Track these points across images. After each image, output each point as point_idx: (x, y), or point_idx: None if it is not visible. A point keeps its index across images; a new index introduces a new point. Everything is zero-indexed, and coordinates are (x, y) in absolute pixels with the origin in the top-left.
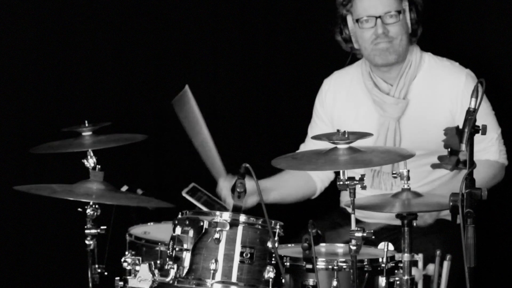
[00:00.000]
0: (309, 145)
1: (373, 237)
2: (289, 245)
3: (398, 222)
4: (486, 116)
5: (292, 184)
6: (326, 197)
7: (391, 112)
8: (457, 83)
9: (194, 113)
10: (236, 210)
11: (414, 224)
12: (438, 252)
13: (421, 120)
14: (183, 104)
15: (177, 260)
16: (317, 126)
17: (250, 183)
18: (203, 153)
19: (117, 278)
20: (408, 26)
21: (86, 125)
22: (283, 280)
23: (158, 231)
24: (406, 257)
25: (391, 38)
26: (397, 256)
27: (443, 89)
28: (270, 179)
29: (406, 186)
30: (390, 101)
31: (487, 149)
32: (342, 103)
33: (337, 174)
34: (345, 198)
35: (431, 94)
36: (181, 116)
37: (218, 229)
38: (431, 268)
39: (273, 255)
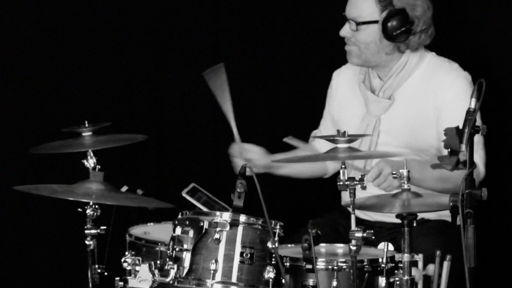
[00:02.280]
0: (322, 130)
1: (373, 237)
2: (289, 245)
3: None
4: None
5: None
6: (326, 197)
7: (372, 109)
8: (447, 79)
9: (224, 86)
10: (236, 210)
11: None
12: (438, 253)
13: (407, 119)
14: (215, 77)
15: (177, 260)
16: (326, 111)
17: (261, 159)
18: (228, 117)
19: (117, 278)
20: (380, 34)
21: (86, 125)
22: (283, 281)
23: (158, 231)
24: (406, 257)
25: (354, 43)
26: (397, 257)
27: (432, 86)
28: (285, 153)
29: (406, 186)
30: (372, 98)
31: None
32: (341, 94)
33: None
34: (345, 198)
35: (421, 92)
36: (211, 85)
37: (218, 229)
38: (431, 268)
39: (273, 255)
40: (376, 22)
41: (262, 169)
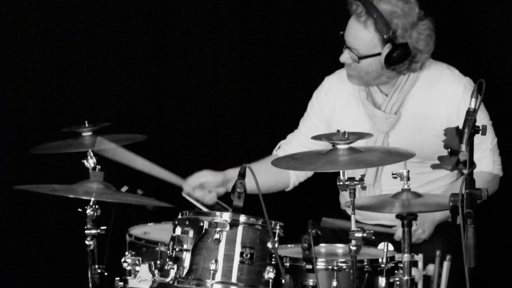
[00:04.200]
0: (297, 136)
1: (373, 237)
2: (289, 245)
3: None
4: None
5: (262, 175)
6: (326, 198)
7: (380, 125)
8: (455, 92)
9: (117, 149)
10: (236, 210)
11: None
12: (438, 253)
13: (415, 132)
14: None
15: (177, 260)
16: (310, 119)
17: (214, 176)
18: (153, 172)
19: (117, 278)
20: (381, 64)
21: (86, 125)
22: (283, 281)
23: (158, 232)
24: (406, 257)
25: (354, 69)
26: (397, 257)
27: (440, 98)
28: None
29: (406, 187)
30: (380, 115)
31: (481, 160)
32: (341, 105)
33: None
34: (344, 199)
35: (427, 102)
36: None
37: (218, 229)
38: (431, 268)
39: (273, 255)
40: (378, 54)
41: (222, 188)
